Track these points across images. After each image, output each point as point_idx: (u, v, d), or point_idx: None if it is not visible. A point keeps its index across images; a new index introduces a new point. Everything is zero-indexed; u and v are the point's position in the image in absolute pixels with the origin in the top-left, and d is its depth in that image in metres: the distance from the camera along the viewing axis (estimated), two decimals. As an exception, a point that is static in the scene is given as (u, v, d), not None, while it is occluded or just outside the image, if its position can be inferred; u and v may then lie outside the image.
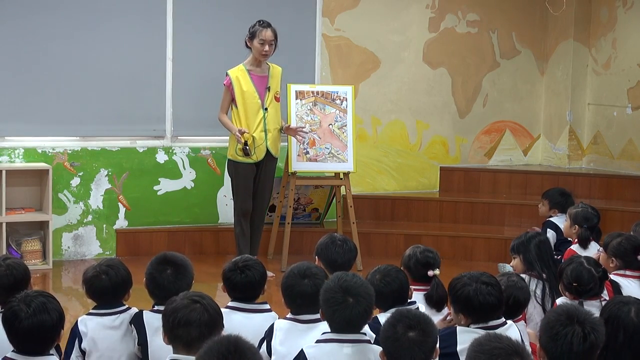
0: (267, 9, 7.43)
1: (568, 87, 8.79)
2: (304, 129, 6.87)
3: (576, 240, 5.76)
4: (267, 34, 6.54)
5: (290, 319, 3.64)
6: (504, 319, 3.63)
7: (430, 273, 4.11)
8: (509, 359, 2.66)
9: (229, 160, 6.70)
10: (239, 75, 6.60)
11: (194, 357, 2.97)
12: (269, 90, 6.64)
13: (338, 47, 8.08)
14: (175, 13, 7.39)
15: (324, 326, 3.41)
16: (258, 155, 6.59)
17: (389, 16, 8.27)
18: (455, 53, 8.56)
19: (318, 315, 3.53)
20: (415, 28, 8.40)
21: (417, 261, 4.21)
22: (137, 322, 3.77)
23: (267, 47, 6.54)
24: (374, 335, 3.50)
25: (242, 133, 6.47)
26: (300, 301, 3.61)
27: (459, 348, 3.48)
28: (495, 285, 3.59)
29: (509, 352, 2.68)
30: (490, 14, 8.68)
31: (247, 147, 6.50)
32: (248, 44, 6.62)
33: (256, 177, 6.71)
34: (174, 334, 3.08)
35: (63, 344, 3.72)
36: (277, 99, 6.69)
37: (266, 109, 6.60)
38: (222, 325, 3.22)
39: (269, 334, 3.61)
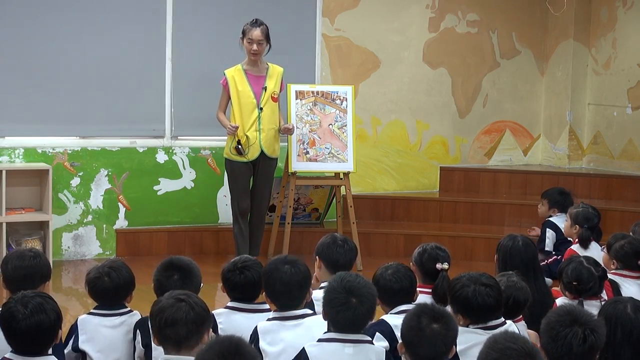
0: (267, 9, 7.43)
1: (568, 87, 8.79)
2: (289, 127, 6.81)
3: (576, 240, 5.76)
4: (255, 33, 6.56)
5: (275, 318, 3.65)
6: (504, 319, 3.63)
7: (438, 266, 4.10)
8: None
9: (225, 159, 6.77)
10: (235, 74, 6.65)
11: (184, 357, 2.98)
12: (265, 90, 6.65)
13: (338, 47, 8.08)
14: (175, 13, 7.39)
15: (311, 320, 3.46)
16: (251, 154, 6.62)
17: (389, 16, 8.27)
18: (455, 53, 8.56)
19: (303, 310, 3.57)
20: (415, 28, 8.40)
21: (429, 256, 4.19)
22: (143, 326, 3.77)
23: (255, 46, 6.56)
24: (387, 344, 3.51)
25: (235, 129, 6.52)
26: (279, 286, 3.63)
27: (459, 349, 3.47)
28: (494, 287, 3.59)
29: (522, 354, 2.66)
30: (490, 14, 8.68)
31: (240, 146, 6.56)
32: (241, 43, 6.67)
33: (253, 177, 6.74)
34: (163, 335, 3.08)
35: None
36: (274, 99, 6.70)
37: (261, 108, 6.62)
38: (211, 322, 3.23)
39: (253, 338, 3.59)
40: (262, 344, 3.56)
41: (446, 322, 3.04)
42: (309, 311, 3.65)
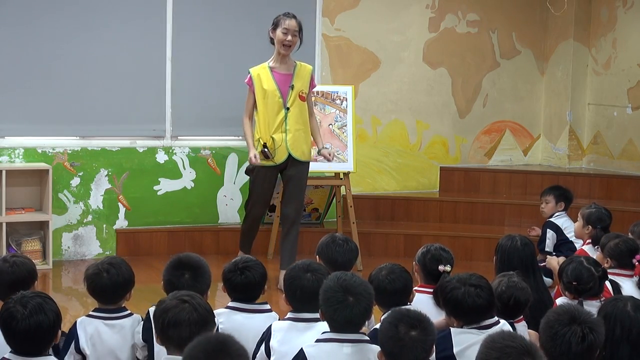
0: (267, 9, 7.41)
1: (568, 87, 8.79)
2: (331, 154, 6.48)
3: (588, 241, 5.76)
4: (291, 23, 6.18)
5: (288, 318, 3.65)
6: (497, 318, 3.63)
7: (440, 268, 4.09)
8: (521, 358, 2.66)
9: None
10: (261, 72, 6.24)
11: None
12: (292, 89, 6.22)
13: (338, 47, 8.08)
14: (175, 13, 7.39)
15: (323, 326, 3.42)
16: (278, 157, 6.17)
17: (389, 16, 8.28)
18: (455, 53, 8.56)
19: (317, 314, 3.53)
20: (415, 28, 8.40)
21: (432, 256, 4.18)
22: (146, 321, 3.75)
23: (289, 37, 6.15)
24: None
25: (254, 159, 6.12)
26: (300, 294, 3.61)
27: (455, 350, 3.48)
28: (484, 287, 3.57)
29: (521, 352, 2.66)
30: (490, 14, 8.68)
31: (267, 150, 6.14)
32: (271, 34, 6.25)
33: (283, 184, 6.39)
34: (166, 335, 3.08)
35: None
36: (302, 98, 6.26)
37: (288, 108, 6.18)
38: (214, 324, 3.22)
39: (266, 335, 3.62)
40: (272, 342, 3.57)
41: (424, 327, 3.03)
42: None
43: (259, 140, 6.19)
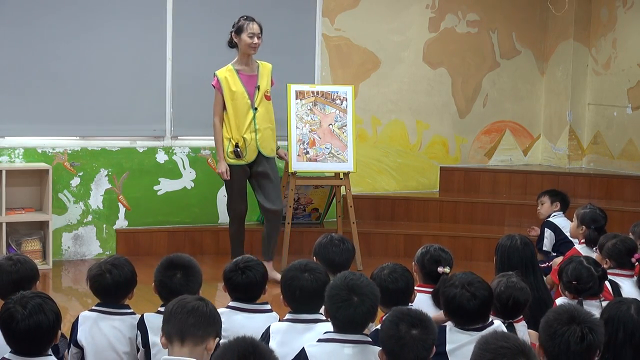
0: (267, 10, 7.44)
1: (568, 87, 8.79)
2: (286, 154, 6.91)
3: (582, 240, 5.76)
4: (255, 26, 6.44)
5: (287, 320, 3.64)
6: (491, 319, 3.62)
7: (440, 269, 4.09)
8: (515, 358, 2.66)
9: None
10: (228, 75, 6.48)
11: (185, 358, 2.97)
12: (258, 90, 6.51)
13: (338, 47, 8.08)
14: (175, 13, 7.40)
15: (323, 326, 3.42)
16: (249, 156, 6.48)
17: (389, 16, 8.28)
18: (455, 53, 8.56)
19: (316, 315, 3.53)
20: (415, 28, 8.40)
21: (431, 257, 4.19)
22: (140, 325, 3.76)
23: (256, 40, 6.41)
24: None
25: (225, 175, 6.47)
26: (300, 294, 3.61)
27: (448, 348, 3.47)
28: (478, 296, 3.53)
29: (515, 351, 2.67)
30: (490, 14, 8.68)
31: (239, 149, 6.44)
32: (235, 39, 6.48)
33: (254, 180, 6.59)
34: (173, 319, 3.04)
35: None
36: (267, 98, 6.56)
37: (256, 108, 6.48)
38: (218, 332, 3.20)
39: (265, 337, 3.60)
40: (272, 343, 3.56)
41: (425, 326, 3.03)
42: (322, 317, 3.60)
43: (230, 140, 6.48)
